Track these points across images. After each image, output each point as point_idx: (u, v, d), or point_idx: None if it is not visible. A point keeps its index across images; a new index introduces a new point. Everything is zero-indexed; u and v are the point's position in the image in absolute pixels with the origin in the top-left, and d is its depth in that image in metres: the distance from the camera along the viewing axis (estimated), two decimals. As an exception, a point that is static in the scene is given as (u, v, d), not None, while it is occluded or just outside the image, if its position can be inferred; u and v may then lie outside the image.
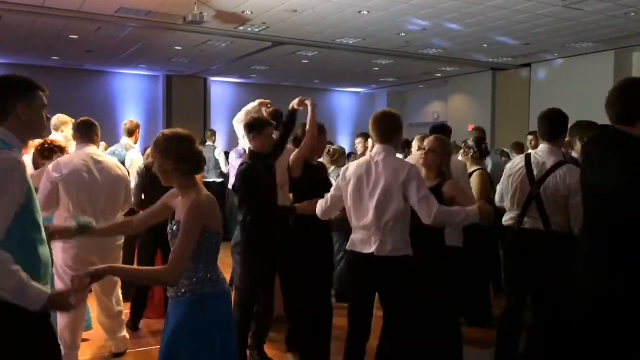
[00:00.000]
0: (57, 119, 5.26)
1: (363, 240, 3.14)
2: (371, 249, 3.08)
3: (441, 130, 4.68)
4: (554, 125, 3.53)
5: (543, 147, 3.54)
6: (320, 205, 3.41)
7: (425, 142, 3.63)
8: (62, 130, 5.27)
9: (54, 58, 12.09)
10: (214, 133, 10.38)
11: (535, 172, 3.47)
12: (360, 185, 3.15)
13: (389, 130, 3.19)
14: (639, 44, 10.11)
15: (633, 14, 8.07)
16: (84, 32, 9.62)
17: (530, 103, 12.15)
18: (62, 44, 10.51)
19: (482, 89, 13.42)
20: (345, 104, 17.49)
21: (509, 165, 3.79)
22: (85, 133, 4.01)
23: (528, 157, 3.56)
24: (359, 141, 6.87)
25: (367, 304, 3.23)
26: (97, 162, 3.96)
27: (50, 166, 3.85)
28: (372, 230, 3.09)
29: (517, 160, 3.68)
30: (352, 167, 3.27)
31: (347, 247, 3.25)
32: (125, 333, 4.33)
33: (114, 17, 8.57)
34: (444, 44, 10.31)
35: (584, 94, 10.62)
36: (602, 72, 10.63)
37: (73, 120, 5.04)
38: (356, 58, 11.70)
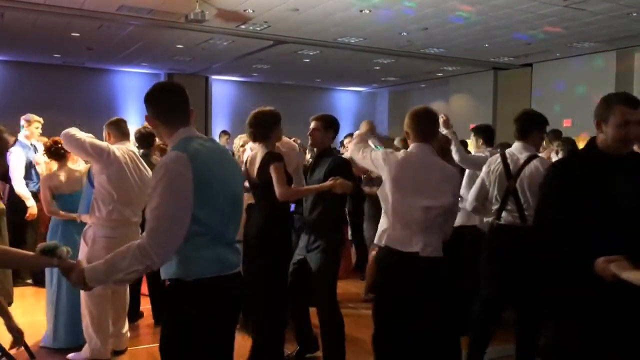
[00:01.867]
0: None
1: (404, 237, 3.00)
2: (414, 247, 2.95)
3: (484, 131, 4.92)
4: (524, 124, 3.72)
5: (516, 144, 3.75)
6: None
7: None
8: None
9: (55, 56, 12.09)
10: (228, 134, 10.13)
11: (511, 167, 3.65)
12: (406, 182, 3.04)
13: (430, 128, 3.15)
14: (640, 44, 10.11)
15: (635, 14, 8.06)
16: (86, 30, 9.62)
17: (532, 103, 12.14)
18: (63, 41, 10.51)
19: (483, 89, 13.40)
20: (347, 103, 17.47)
21: (485, 165, 3.93)
22: (122, 131, 4.22)
23: (504, 154, 3.74)
24: (348, 141, 6.83)
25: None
26: (137, 159, 4.19)
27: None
28: (414, 229, 2.97)
29: (494, 158, 3.83)
30: (396, 162, 3.11)
31: (384, 242, 3.08)
32: (127, 330, 4.34)
33: (116, 15, 8.57)
34: (445, 43, 10.30)
35: (585, 94, 10.63)
36: (604, 72, 10.62)
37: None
38: (357, 57, 11.69)
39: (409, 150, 3.16)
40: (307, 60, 12.18)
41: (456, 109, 14.33)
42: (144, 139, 4.93)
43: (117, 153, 3.97)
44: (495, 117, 13.09)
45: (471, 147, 5.50)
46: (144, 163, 4.24)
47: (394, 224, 3.04)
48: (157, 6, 8.11)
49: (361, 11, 8.22)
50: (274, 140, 3.84)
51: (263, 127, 3.74)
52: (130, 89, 13.93)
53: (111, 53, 11.70)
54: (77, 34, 9.95)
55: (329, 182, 3.63)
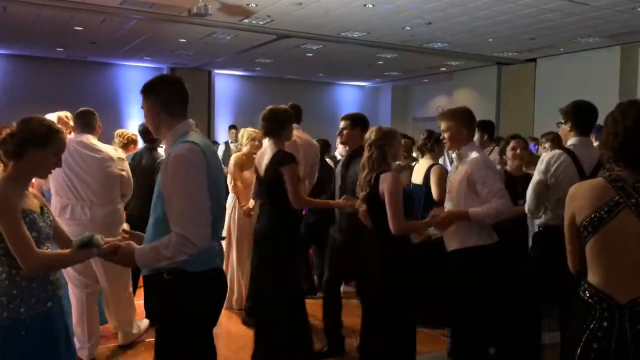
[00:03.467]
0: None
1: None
2: None
3: (489, 127, 4.87)
4: (590, 119, 3.46)
5: (580, 140, 3.40)
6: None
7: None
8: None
9: (58, 50, 12.09)
10: (236, 128, 10.43)
11: (585, 167, 3.30)
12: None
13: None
14: (645, 39, 10.05)
15: (640, 9, 8.03)
16: (89, 24, 9.61)
17: (535, 98, 12.10)
18: (66, 35, 10.50)
19: (487, 84, 13.36)
20: (350, 98, 17.45)
21: (542, 164, 3.48)
22: (84, 122, 4.00)
23: (570, 152, 3.38)
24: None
25: None
26: (87, 149, 3.89)
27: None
28: None
29: (555, 158, 3.41)
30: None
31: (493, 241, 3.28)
32: (134, 327, 4.35)
33: (119, 8, 8.56)
34: (449, 37, 10.27)
35: (589, 90, 10.57)
36: (608, 68, 10.58)
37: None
38: (361, 51, 11.66)
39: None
40: (310, 54, 12.15)
41: (459, 103, 14.17)
42: (148, 133, 4.77)
43: None
44: (498, 112, 13.06)
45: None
46: (101, 155, 3.95)
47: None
48: (160, 0, 8.09)
49: (364, 5, 8.19)
50: (284, 139, 3.83)
51: (276, 123, 3.75)
52: (133, 83, 13.91)
53: (114, 47, 11.70)
54: (80, 28, 9.94)
55: (341, 201, 3.80)
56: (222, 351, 4.23)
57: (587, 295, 1.93)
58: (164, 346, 2.30)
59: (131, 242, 2.23)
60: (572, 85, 11.06)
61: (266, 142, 3.97)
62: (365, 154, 3.39)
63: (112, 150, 4.11)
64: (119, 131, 5.24)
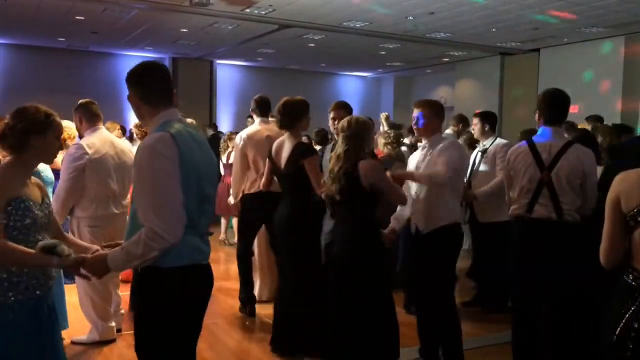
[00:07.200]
0: None
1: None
2: None
3: (491, 117, 5.02)
4: (560, 108, 3.41)
5: (546, 130, 3.37)
6: None
7: None
8: None
9: (59, 39, 12.06)
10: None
11: (543, 157, 3.29)
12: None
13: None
14: (649, 29, 9.98)
15: (644, -2, 7.96)
16: (90, 13, 9.57)
17: (539, 88, 12.03)
18: (67, 25, 10.47)
19: (490, 74, 13.30)
20: (352, 88, 17.38)
21: (506, 159, 3.59)
22: (95, 113, 4.00)
23: (531, 142, 3.38)
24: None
25: None
26: (117, 145, 4.06)
27: (72, 149, 3.86)
28: None
29: (513, 150, 3.52)
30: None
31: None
32: (122, 311, 4.40)
33: (120, -2, 8.53)
34: (451, 27, 10.21)
35: (593, 80, 10.53)
36: (612, 58, 10.51)
37: None
38: (363, 42, 11.61)
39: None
40: (312, 44, 12.10)
41: (462, 94, 14.25)
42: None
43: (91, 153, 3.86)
44: (501, 103, 13.01)
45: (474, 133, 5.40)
46: (123, 150, 4.14)
47: None
48: (161, -11, 8.06)
49: (367, -5, 8.15)
50: (301, 129, 3.88)
51: (293, 115, 3.79)
52: (135, 73, 13.90)
53: (115, 37, 11.66)
54: (82, 18, 9.90)
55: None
56: (223, 338, 4.26)
57: (631, 278, 2.02)
58: (140, 338, 2.25)
59: (103, 251, 2.16)
60: (575, 76, 11.00)
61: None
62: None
63: (129, 146, 4.40)
64: (109, 124, 5.22)
